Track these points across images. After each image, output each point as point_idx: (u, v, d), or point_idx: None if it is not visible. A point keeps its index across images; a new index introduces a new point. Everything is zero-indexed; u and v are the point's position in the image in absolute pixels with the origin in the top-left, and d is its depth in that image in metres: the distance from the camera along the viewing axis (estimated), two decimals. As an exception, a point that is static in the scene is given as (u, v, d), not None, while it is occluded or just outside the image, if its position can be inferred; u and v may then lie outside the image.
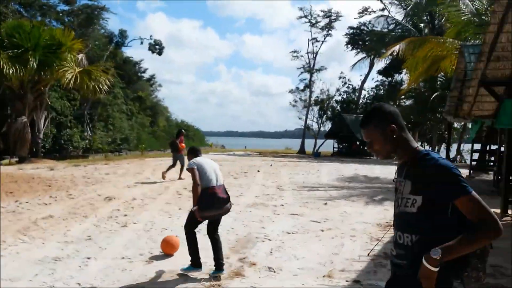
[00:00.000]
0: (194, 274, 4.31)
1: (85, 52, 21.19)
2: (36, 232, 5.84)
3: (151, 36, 44.81)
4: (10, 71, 16.00)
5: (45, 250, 5.06)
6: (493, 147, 17.46)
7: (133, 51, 76.39)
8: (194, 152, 4.74)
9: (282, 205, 8.34)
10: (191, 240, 4.41)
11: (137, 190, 10.03)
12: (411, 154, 1.78)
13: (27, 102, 17.76)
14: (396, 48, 18.59)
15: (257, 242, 5.58)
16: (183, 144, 12.41)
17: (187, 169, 4.50)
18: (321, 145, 34.29)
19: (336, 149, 33.56)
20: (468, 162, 25.59)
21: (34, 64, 16.68)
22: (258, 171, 15.52)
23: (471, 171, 15.30)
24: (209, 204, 4.25)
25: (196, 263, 4.39)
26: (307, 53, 36.34)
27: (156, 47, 39.07)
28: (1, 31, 17.31)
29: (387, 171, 16.01)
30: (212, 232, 4.46)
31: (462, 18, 17.92)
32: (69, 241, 5.47)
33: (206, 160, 4.59)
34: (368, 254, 4.77)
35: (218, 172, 4.52)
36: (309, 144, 36.30)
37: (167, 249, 5.03)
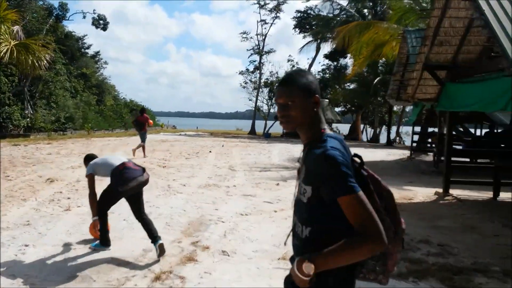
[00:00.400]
0: (142, 261, 4.14)
1: (22, 25, 19.55)
2: (-34, 219, 5.34)
3: (94, 10, 42.33)
4: None
5: (-24, 238, 4.63)
6: (431, 129, 18.57)
7: (75, 26, 71.92)
8: (90, 159, 4.67)
9: (234, 186, 8.27)
10: (102, 220, 4.37)
11: (82, 171, 9.48)
12: (314, 136, 1.55)
13: (-45, 76, 16.18)
14: (343, 32, 18.95)
15: (210, 224, 5.47)
16: (151, 121, 12.90)
17: (86, 175, 4.51)
18: (271, 126, 34.60)
19: (285, 131, 33.89)
20: (406, 143, 27.12)
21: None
22: (210, 151, 15.34)
23: (412, 152, 16.10)
24: (125, 178, 4.18)
25: (104, 242, 4.40)
26: (257, 35, 36.10)
27: (100, 22, 36.97)
28: None
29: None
30: (139, 213, 4.36)
31: (404, 4, 18.60)
32: (5, 227, 5.05)
33: (104, 157, 4.65)
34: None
35: (123, 158, 4.55)
36: (260, 125, 36.51)
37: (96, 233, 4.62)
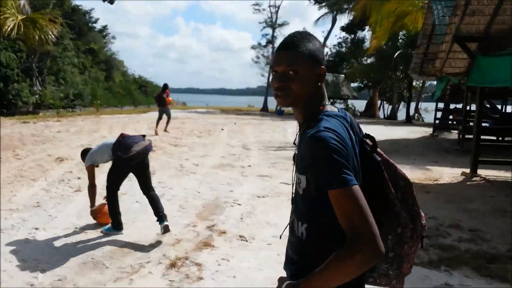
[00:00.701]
0: (156, 246, 3.91)
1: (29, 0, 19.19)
2: (-26, 199, 5.15)
3: (102, -18, 41.34)
4: None
5: (-16, 220, 4.43)
6: (453, 106, 17.86)
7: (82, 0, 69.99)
8: (86, 152, 4.46)
9: (249, 166, 7.98)
10: (113, 201, 4.19)
11: (93, 150, 9.29)
12: (310, 114, 1.26)
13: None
14: (362, 2, 18.04)
15: (226, 207, 5.21)
16: (170, 98, 13.22)
17: (86, 167, 4.37)
18: (283, 103, 34.05)
19: (280, 106, 33.29)
20: (426, 120, 26.36)
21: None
22: (222, 129, 15.03)
23: (435, 129, 15.58)
24: (127, 144, 4.07)
25: (116, 225, 4.18)
26: (269, 6, 35.04)
27: (107, -5, 36.16)
28: None
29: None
30: (146, 188, 4.24)
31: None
32: (14, 209, 4.85)
33: (98, 144, 4.55)
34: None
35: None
36: (272, 102, 35.98)
37: (103, 218, 4.39)
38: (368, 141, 1.29)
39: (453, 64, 8.34)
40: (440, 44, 8.38)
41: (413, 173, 7.18)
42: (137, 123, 16.10)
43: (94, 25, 38.72)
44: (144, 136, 4.39)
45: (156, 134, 12.16)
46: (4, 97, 21.40)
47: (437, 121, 16.14)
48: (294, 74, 1.22)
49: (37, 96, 23.43)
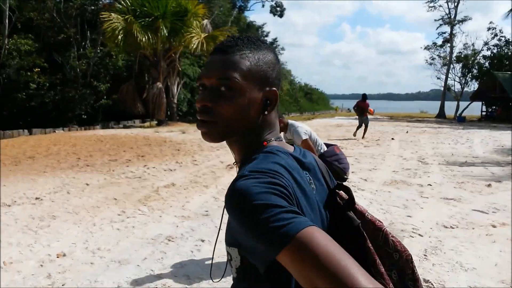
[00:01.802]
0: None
1: (210, 19, 21.55)
2: (156, 203, 5.58)
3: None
4: (143, 39, 17.08)
5: (160, 226, 4.67)
6: None
7: (255, 15, 76.63)
8: (286, 124, 4.20)
9: (430, 184, 6.76)
10: None
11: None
12: (249, 153, 0.84)
13: (161, 69, 18.92)
14: None
15: (403, 237, 4.33)
16: (371, 109, 14.03)
17: (302, 141, 4.00)
18: (465, 109, 29.70)
19: (484, 113, 28.66)
20: None
21: (165, 31, 17.51)
22: (393, 138, 13.72)
23: None
24: (345, 165, 3.81)
25: None
26: (447, 2, 31.17)
27: (278, 9, 38.23)
28: (133, 1, 18.45)
29: None
30: None
31: None
32: (186, 216, 5.03)
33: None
34: None
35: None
36: (449, 107, 31.95)
37: None
38: (341, 193, 0.90)
39: None
40: None
41: None
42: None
43: (265, 38, 41.49)
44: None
45: (354, 136, 13.73)
46: (192, 106, 24.72)
47: None
48: (227, 91, 0.82)
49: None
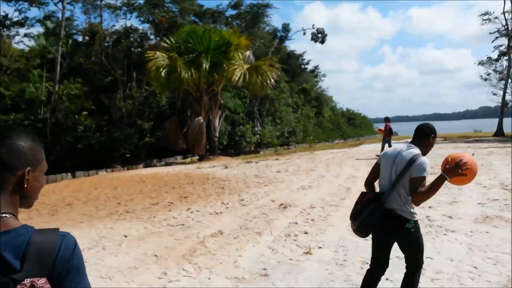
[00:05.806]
0: None
1: (252, 51, 21.33)
2: (203, 258, 4.68)
3: (313, 25, 43.76)
4: (186, 75, 16.88)
5: (209, 292, 3.75)
6: None
7: (295, 44, 76.74)
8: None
9: (536, 222, 5.44)
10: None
11: (313, 193, 8.42)
12: None
13: (203, 103, 18.60)
14: None
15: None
16: (380, 128, 14.70)
17: (421, 177, 2.75)
18: (525, 125, 27.27)
19: None
20: None
21: (207, 66, 17.27)
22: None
23: None
24: None
25: None
26: (503, 13, 29.29)
27: (319, 36, 37.68)
28: (178, 38, 18.50)
29: None
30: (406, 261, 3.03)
31: None
32: (240, 278, 4.08)
33: None
34: None
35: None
36: (507, 125, 29.47)
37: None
38: None
39: None
40: None
41: None
42: (352, 158, 14.92)
43: (306, 66, 41.07)
44: None
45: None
46: (232, 138, 24.26)
47: None
48: None
49: (258, 136, 25.73)
